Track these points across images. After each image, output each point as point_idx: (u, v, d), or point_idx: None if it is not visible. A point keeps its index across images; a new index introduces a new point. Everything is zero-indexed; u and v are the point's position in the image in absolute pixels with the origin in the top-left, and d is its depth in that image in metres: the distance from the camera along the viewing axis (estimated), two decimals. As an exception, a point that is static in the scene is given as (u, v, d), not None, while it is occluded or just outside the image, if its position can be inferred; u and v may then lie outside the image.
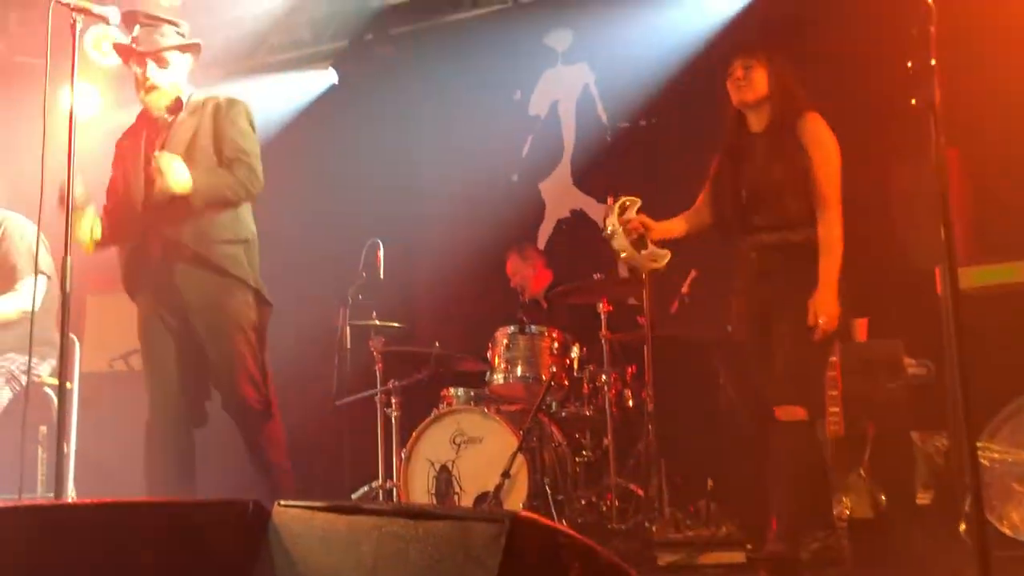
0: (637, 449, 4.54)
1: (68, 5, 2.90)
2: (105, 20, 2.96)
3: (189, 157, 3.50)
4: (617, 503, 4.22)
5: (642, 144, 5.66)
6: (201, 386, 3.66)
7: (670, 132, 5.56)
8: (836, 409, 3.79)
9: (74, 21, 2.92)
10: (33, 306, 3.47)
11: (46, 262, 4.04)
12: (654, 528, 4.07)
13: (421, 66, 6.30)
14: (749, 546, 3.58)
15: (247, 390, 3.57)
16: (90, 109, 5.95)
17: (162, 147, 3.54)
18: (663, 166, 5.38)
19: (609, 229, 3.59)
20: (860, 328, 4.12)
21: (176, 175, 3.41)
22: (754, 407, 3.42)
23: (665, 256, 3.63)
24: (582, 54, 5.99)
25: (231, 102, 3.66)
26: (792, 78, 3.44)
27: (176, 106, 3.66)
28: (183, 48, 3.66)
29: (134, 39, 3.60)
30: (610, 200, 3.64)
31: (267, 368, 3.66)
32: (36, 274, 3.91)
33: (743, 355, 3.52)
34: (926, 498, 3.86)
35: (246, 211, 3.69)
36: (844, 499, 3.76)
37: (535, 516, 1.46)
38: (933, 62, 2.11)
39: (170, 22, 3.66)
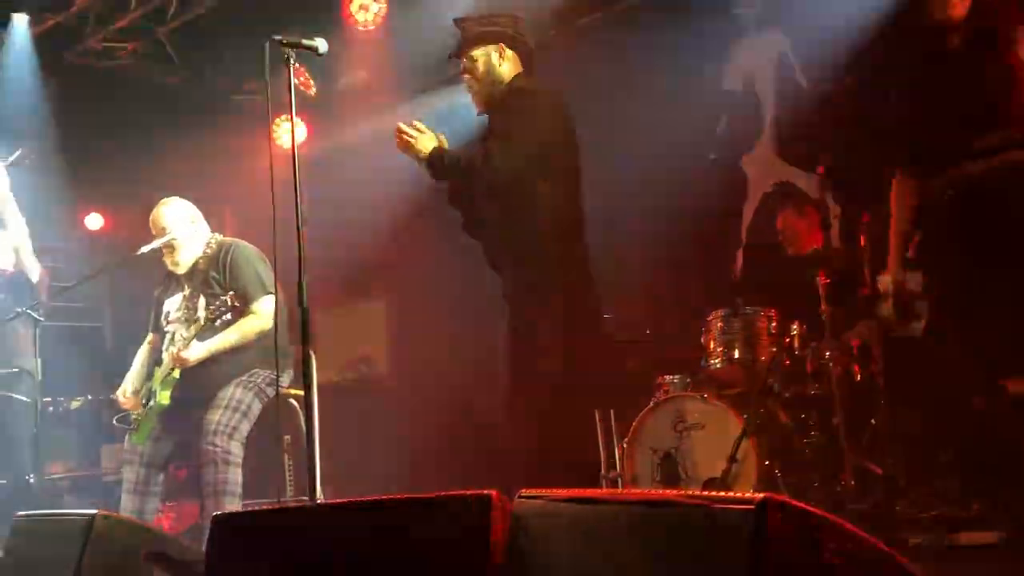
0: (870, 426, 4.32)
1: (281, 41, 3.09)
2: (315, 51, 3.12)
3: None
4: (853, 483, 4.03)
5: (849, 104, 5.33)
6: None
7: (879, 87, 5.22)
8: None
9: (287, 56, 3.10)
10: (276, 326, 3.73)
11: (270, 281, 4.27)
12: (897, 507, 3.87)
13: (607, 54, 6.26)
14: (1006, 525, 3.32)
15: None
16: (297, 138, 6.34)
17: None
18: (876, 121, 5.06)
19: None
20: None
21: (422, 142, 3.62)
22: (983, 376, 3.13)
23: None
24: (774, 20, 5.75)
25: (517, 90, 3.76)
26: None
27: (481, 103, 3.79)
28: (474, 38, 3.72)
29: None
30: None
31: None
32: (271, 293, 4.22)
33: (966, 317, 3.22)
34: None
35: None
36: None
37: (784, 498, 1.42)
38: None
39: (478, 19, 3.79)
